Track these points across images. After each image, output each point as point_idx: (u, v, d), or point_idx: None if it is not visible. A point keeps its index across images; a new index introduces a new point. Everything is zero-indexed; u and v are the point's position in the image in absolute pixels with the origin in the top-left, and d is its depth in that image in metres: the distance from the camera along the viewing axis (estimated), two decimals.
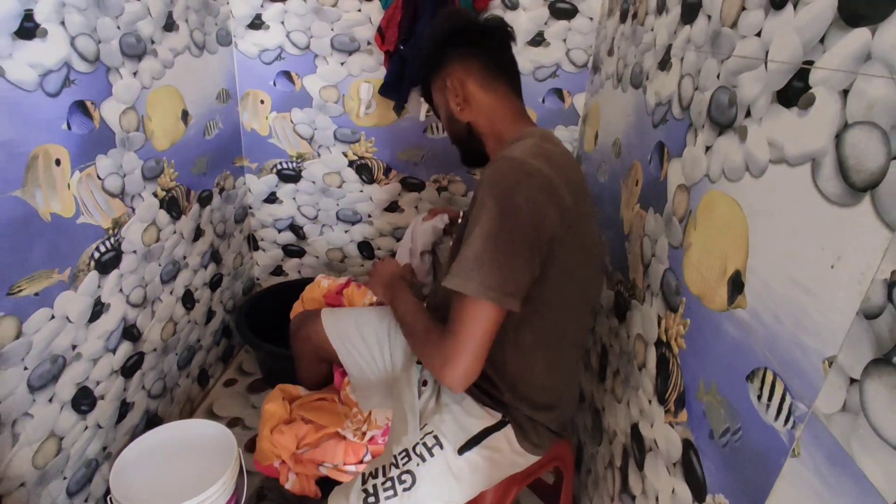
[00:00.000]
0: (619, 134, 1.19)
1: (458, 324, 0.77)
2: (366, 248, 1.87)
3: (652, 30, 1.04)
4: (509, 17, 1.53)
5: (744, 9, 0.69)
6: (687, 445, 0.73)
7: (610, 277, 1.17)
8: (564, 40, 1.55)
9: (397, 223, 1.81)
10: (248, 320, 1.63)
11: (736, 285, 0.63)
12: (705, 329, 0.71)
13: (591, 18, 1.52)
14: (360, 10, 1.54)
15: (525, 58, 1.57)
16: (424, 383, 0.95)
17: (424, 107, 1.58)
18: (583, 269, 0.86)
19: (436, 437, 0.87)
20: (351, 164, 1.73)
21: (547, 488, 1.26)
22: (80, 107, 1.00)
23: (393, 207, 1.79)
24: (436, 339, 0.82)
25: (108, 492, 1.11)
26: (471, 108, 0.95)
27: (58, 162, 0.96)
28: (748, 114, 0.65)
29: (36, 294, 0.94)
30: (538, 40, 1.55)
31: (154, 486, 1.05)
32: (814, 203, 0.51)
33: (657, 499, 0.81)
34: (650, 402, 0.87)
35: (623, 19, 1.25)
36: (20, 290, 0.91)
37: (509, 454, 0.90)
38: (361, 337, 1.12)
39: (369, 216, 1.81)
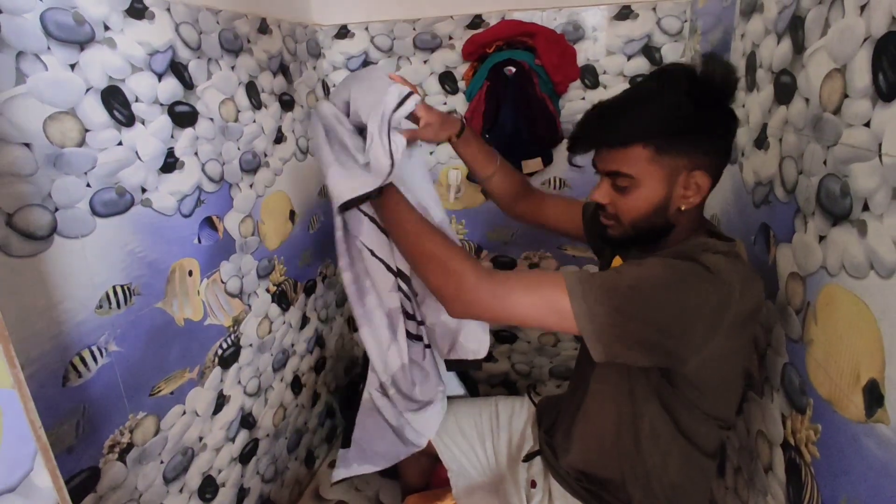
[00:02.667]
0: (717, 209, 1.15)
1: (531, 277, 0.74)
2: None
3: (743, 106, 1.01)
4: (590, 95, 1.56)
5: (846, 96, 0.66)
6: None
7: None
8: None
9: None
10: (349, 400, 1.68)
11: (874, 396, 0.58)
12: (841, 439, 0.64)
13: None
14: (445, 104, 1.64)
15: None
16: (533, 484, 0.92)
17: None
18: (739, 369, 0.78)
19: None
20: None
21: None
22: (208, 222, 1.14)
23: None
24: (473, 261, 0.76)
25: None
26: (692, 208, 0.78)
27: (190, 273, 1.09)
28: (866, 207, 0.61)
29: (171, 393, 1.04)
30: None
31: None
32: None
33: None
34: None
35: None
36: (159, 391, 1.01)
37: None
38: (460, 430, 1.11)
39: None
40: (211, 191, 1.14)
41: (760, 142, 0.93)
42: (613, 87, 1.54)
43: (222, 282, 1.19)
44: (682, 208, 0.78)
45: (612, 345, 0.69)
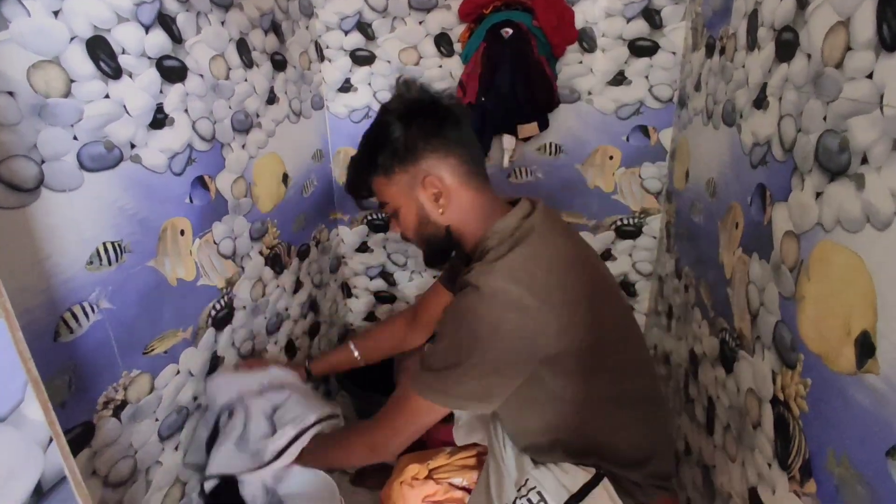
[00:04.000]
0: (713, 173, 1.14)
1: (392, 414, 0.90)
2: None
3: (743, 66, 1.00)
4: (588, 59, 1.54)
5: (849, 49, 0.65)
6: None
7: (712, 323, 1.10)
8: (647, 77, 1.53)
9: None
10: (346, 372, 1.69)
11: (865, 348, 0.58)
12: (830, 392, 0.65)
13: (673, 53, 1.49)
14: (440, 67, 1.61)
15: (607, 97, 1.56)
16: None
17: (508, 154, 1.61)
18: (607, 342, 0.83)
19: (539, 494, 0.86)
20: None
21: None
22: (200, 181, 1.12)
23: None
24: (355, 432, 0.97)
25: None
26: (451, 209, 0.86)
27: (182, 232, 1.08)
28: (864, 160, 0.61)
29: (165, 352, 1.04)
30: (619, 79, 1.54)
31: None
32: None
33: None
34: (770, 465, 0.80)
35: (710, 54, 1.22)
36: (153, 350, 1.01)
37: None
38: None
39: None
40: (202, 150, 1.12)
41: (759, 102, 0.92)
42: (612, 50, 1.52)
43: (215, 243, 1.18)
44: (441, 213, 0.87)
45: (481, 394, 0.80)
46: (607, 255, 1.74)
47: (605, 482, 0.85)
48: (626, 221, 1.69)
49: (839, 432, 0.63)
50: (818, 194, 0.70)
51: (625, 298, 0.95)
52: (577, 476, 0.86)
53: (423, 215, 0.88)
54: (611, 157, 1.63)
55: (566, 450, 0.88)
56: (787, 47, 0.82)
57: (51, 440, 0.36)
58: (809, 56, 0.75)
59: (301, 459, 1.07)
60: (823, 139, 0.69)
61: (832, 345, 0.64)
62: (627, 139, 1.60)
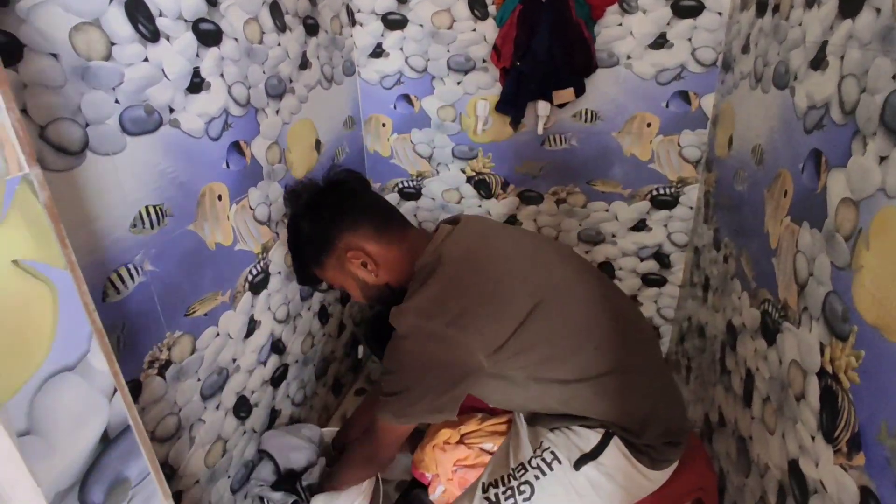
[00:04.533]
0: (761, 139, 1.10)
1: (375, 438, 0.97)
2: None
3: (800, 24, 0.95)
4: (628, 21, 1.47)
5: None
6: (866, 493, 0.65)
7: (754, 295, 1.07)
8: (689, 39, 1.46)
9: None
10: (373, 332, 1.71)
11: None
12: (886, 364, 0.63)
13: (719, 14, 1.42)
14: (474, 30, 1.57)
15: (646, 62, 1.51)
16: None
17: (542, 120, 1.57)
18: (565, 326, 0.86)
19: (553, 453, 0.89)
20: (469, 179, 1.76)
21: None
22: (236, 146, 1.12)
23: (511, 221, 1.79)
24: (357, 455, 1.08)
25: None
26: (382, 268, 0.95)
27: (220, 197, 1.09)
28: None
29: (205, 314, 1.07)
30: (660, 42, 1.48)
31: None
32: None
33: None
34: (813, 438, 0.79)
35: (761, 13, 1.15)
36: (194, 312, 1.03)
37: (632, 473, 0.87)
38: None
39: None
40: (238, 115, 1.12)
41: (817, 62, 0.87)
42: (653, 12, 1.45)
43: (251, 208, 1.19)
44: (375, 276, 0.96)
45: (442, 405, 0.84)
46: (642, 224, 1.70)
47: (616, 440, 0.87)
48: (662, 191, 1.65)
49: (894, 404, 0.61)
50: (882, 159, 0.66)
51: (597, 279, 0.97)
52: (590, 437, 0.88)
53: (362, 283, 0.99)
54: (648, 125, 1.58)
55: (567, 418, 0.90)
56: (852, 1, 0.77)
57: (115, 391, 0.37)
58: (878, 10, 0.70)
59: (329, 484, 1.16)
60: (891, 99, 0.65)
61: (892, 315, 0.61)
62: (667, 105, 1.54)
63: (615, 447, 0.86)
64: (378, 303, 1.03)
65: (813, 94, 0.87)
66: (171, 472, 1.01)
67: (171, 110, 0.94)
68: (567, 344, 0.85)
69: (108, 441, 0.39)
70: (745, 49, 1.24)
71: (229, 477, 1.19)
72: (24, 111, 0.72)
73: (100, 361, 0.37)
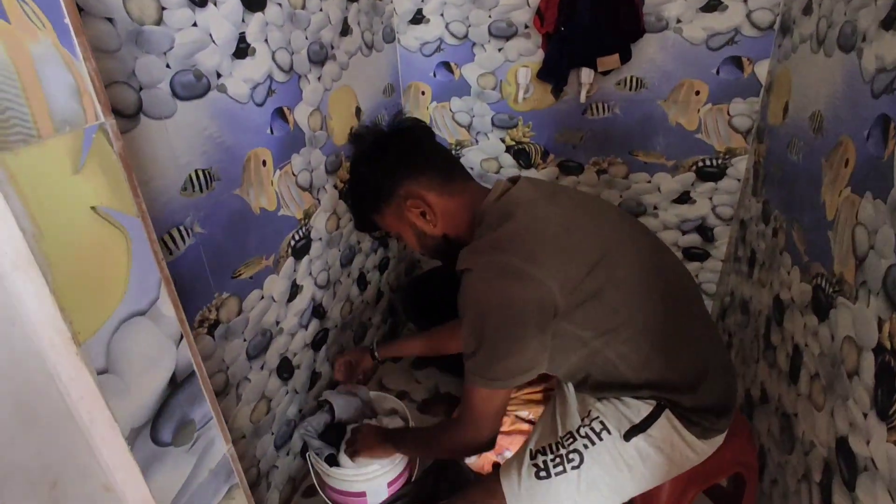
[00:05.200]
0: (820, 105, 1.04)
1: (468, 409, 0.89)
2: None
3: None
4: None
5: None
6: None
7: (805, 269, 1.04)
8: (745, 1, 1.39)
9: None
10: (410, 300, 1.74)
11: None
12: None
13: None
14: None
15: (697, 26, 1.44)
16: None
17: (585, 88, 1.53)
18: (630, 277, 0.83)
19: (602, 423, 0.88)
20: (508, 149, 1.74)
21: (726, 495, 1.18)
22: (279, 113, 1.13)
23: None
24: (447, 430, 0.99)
25: (304, 448, 1.27)
26: (441, 219, 0.94)
27: (264, 163, 1.11)
28: None
29: (251, 277, 1.10)
30: (713, 4, 1.41)
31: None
32: None
33: None
34: (865, 415, 0.76)
35: None
36: (240, 274, 1.06)
37: (680, 445, 0.87)
38: None
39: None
40: (281, 81, 1.12)
41: (890, 21, 0.81)
42: None
43: (293, 174, 1.20)
44: (434, 226, 0.94)
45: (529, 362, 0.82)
46: (686, 197, 1.65)
47: (668, 413, 0.85)
48: (708, 162, 1.59)
49: None
50: None
51: (653, 238, 0.96)
52: (640, 408, 0.87)
53: (420, 233, 0.97)
54: (697, 93, 1.52)
55: (616, 387, 0.88)
56: None
57: (181, 337, 0.39)
58: None
59: (400, 451, 1.15)
60: None
61: None
62: (717, 72, 1.48)
63: (666, 420, 0.85)
64: (434, 254, 1.02)
65: (883, 56, 0.82)
66: None
67: (219, 75, 0.95)
68: (632, 294, 0.83)
69: (175, 384, 0.41)
70: (807, 10, 1.17)
71: (273, 434, 1.24)
72: (112, 110, 0.74)
73: (168, 308, 0.38)
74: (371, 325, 1.71)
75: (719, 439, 0.89)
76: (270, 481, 1.25)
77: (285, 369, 1.25)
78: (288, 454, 1.32)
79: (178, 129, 0.88)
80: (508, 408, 1.30)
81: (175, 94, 0.87)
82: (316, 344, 1.38)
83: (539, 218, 0.84)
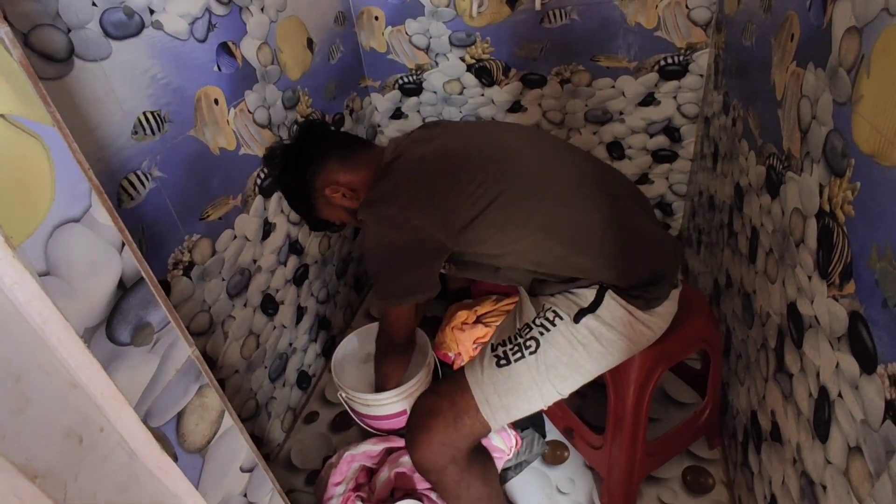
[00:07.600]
0: None
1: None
2: None
3: None
4: None
5: None
6: (854, 317, 0.68)
7: (760, 152, 1.06)
8: None
9: (520, 123, 1.79)
10: None
11: None
12: (880, 190, 0.63)
13: None
14: None
15: None
16: None
17: None
18: (529, 194, 0.92)
19: (555, 311, 0.95)
20: (469, 68, 1.71)
21: (694, 374, 1.26)
22: (225, 48, 1.11)
23: (516, 108, 1.75)
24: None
25: (301, 378, 1.33)
26: (361, 191, 1.03)
27: (216, 101, 1.09)
28: None
29: (220, 218, 1.11)
30: None
31: (366, 378, 1.28)
32: None
33: (818, 374, 0.78)
34: (810, 278, 0.81)
35: None
36: (208, 216, 1.08)
37: (630, 321, 0.93)
38: None
39: (492, 119, 1.80)
40: (221, 14, 1.09)
41: None
42: None
43: (249, 112, 1.19)
44: (358, 201, 1.03)
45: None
46: (650, 98, 1.65)
47: (611, 293, 0.92)
48: (670, 60, 1.58)
49: (886, 226, 0.62)
50: None
51: (569, 148, 1.05)
52: (587, 294, 0.94)
53: (350, 211, 1.06)
54: None
55: (565, 282, 0.96)
56: None
57: (123, 244, 0.41)
58: None
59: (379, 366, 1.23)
60: None
61: (888, 138, 0.61)
62: None
63: (610, 299, 0.91)
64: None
65: None
66: (210, 362, 1.10)
67: (152, 11, 0.93)
68: (529, 199, 0.92)
69: (125, 288, 0.43)
70: None
71: (266, 367, 1.29)
72: (5, 18, 0.72)
73: (103, 216, 0.40)
74: (352, 258, 1.74)
75: (668, 308, 0.95)
76: (270, 411, 1.32)
77: (269, 305, 1.29)
78: (284, 385, 1.38)
79: (117, 71, 0.86)
80: (488, 319, 1.36)
81: (107, 34, 0.84)
82: (297, 279, 1.41)
83: (424, 166, 0.94)
